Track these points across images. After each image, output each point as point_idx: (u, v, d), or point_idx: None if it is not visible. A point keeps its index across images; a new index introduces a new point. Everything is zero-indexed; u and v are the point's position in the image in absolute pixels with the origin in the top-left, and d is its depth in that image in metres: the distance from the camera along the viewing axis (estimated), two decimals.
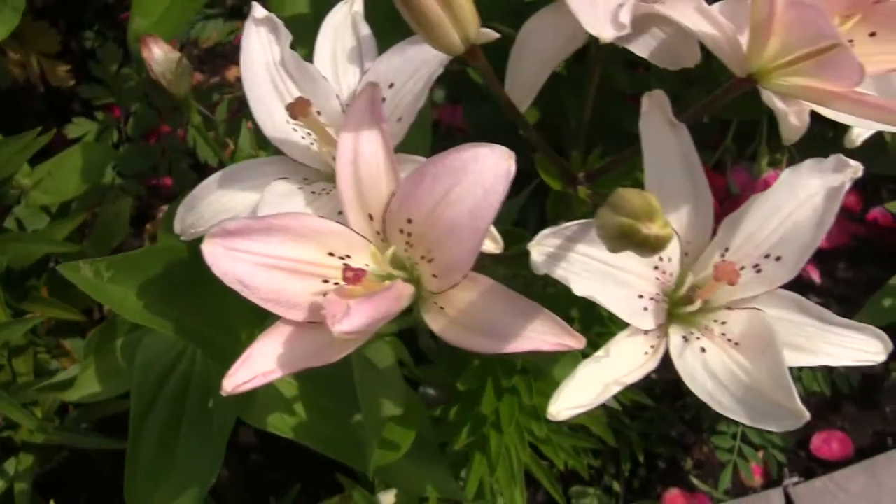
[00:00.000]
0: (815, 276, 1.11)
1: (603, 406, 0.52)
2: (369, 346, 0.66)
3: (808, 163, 0.52)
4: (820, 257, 1.09)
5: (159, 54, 0.69)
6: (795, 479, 1.06)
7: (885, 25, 0.49)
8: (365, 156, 0.51)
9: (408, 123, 0.55)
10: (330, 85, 0.57)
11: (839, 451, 1.11)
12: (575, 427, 0.96)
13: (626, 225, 0.40)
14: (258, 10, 0.57)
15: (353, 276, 0.49)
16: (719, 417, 1.03)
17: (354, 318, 0.47)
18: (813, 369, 1.02)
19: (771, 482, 1.08)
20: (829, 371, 1.03)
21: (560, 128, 0.91)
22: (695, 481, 1.11)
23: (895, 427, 1.13)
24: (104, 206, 1.10)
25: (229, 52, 1.40)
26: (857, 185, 1.01)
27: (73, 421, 1.05)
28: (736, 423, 1.03)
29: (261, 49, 0.57)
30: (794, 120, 0.53)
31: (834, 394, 1.06)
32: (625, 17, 0.48)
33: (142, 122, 1.18)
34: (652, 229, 0.39)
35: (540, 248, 0.49)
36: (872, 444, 1.12)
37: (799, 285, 1.14)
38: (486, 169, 0.48)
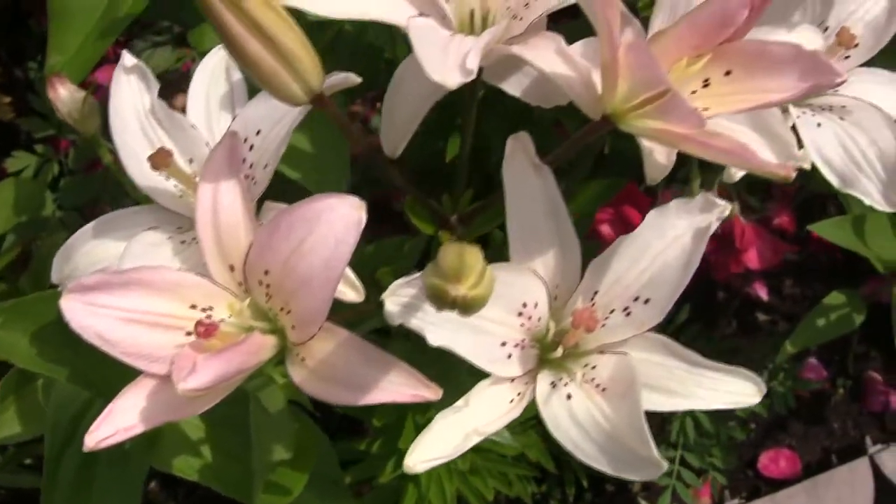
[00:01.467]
0: (763, 293, 1.10)
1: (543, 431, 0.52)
2: (263, 389, 0.66)
3: (675, 203, 0.51)
4: (766, 274, 1.09)
5: (65, 94, 0.69)
6: (737, 501, 1.05)
7: (739, 63, 0.48)
8: (224, 206, 0.51)
9: (273, 170, 0.54)
10: (199, 133, 0.57)
11: (787, 469, 1.10)
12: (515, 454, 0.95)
13: (436, 286, 0.39)
14: (127, 59, 0.57)
15: (205, 330, 0.49)
16: (659, 440, 1.02)
17: (200, 374, 0.47)
18: None
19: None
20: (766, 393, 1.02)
21: (483, 160, 0.90)
22: (642, 503, 1.10)
23: (842, 443, 1.12)
24: (41, 239, 1.10)
25: (177, 80, 1.39)
26: (797, 204, 1.01)
27: (11, 458, 1.04)
28: (675, 446, 1.02)
29: (130, 97, 0.57)
30: (659, 158, 0.52)
31: (780, 412, 1.05)
32: (472, 63, 0.47)
33: (82, 154, 1.18)
34: (459, 291, 0.39)
35: (394, 299, 0.49)
36: (820, 460, 1.11)
37: (746, 303, 1.14)
38: (338, 219, 0.47)
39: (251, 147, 0.55)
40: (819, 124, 0.59)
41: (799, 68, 0.46)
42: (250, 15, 0.43)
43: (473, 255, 0.40)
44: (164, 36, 1.40)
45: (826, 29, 0.62)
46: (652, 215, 0.51)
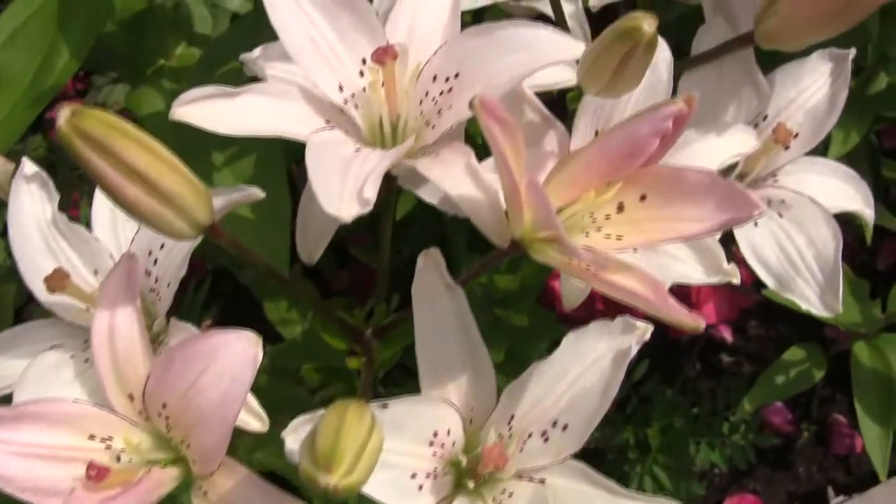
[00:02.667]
0: (727, 335, 1.08)
1: None
2: None
3: (595, 325, 0.49)
4: None
5: None
6: None
7: (655, 189, 0.45)
8: (121, 333, 0.49)
9: (175, 288, 0.52)
10: (102, 245, 0.54)
11: None
12: None
13: (307, 473, 0.37)
14: (27, 167, 0.54)
15: (97, 473, 0.47)
16: None
17: None
18: (710, 444, 0.99)
19: None
20: (724, 445, 1.00)
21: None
22: None
23: (807, 487, 1.10)
24: None
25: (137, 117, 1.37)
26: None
27: None
28: None
29: (32, 206, 0.55)
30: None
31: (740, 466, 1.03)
32: (370, 192, 0.44)
33: None
34: (329, 481, 0.36)
35: (295, 436, 0.46)
36: None
37: (711, 344, 1.12)
38: (234, 355, 0.45)
39: (155, 261, 0.52)
40: (755, 223, 0.57)
41: (715, 198, 0.44)
42: (125, 161, 0.40)
43: (354, 427, 0.37)
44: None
45: (766, 118, 0.59)
46: (570, 338, 0.49)
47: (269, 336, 0.74)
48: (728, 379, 1.09)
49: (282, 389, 0.64)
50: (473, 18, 0.73)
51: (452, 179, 0.47)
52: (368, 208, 0.44)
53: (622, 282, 0.43)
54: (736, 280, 0.53)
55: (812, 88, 0.59)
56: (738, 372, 1.12)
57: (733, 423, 1.00)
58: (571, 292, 0.50)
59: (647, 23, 0.44)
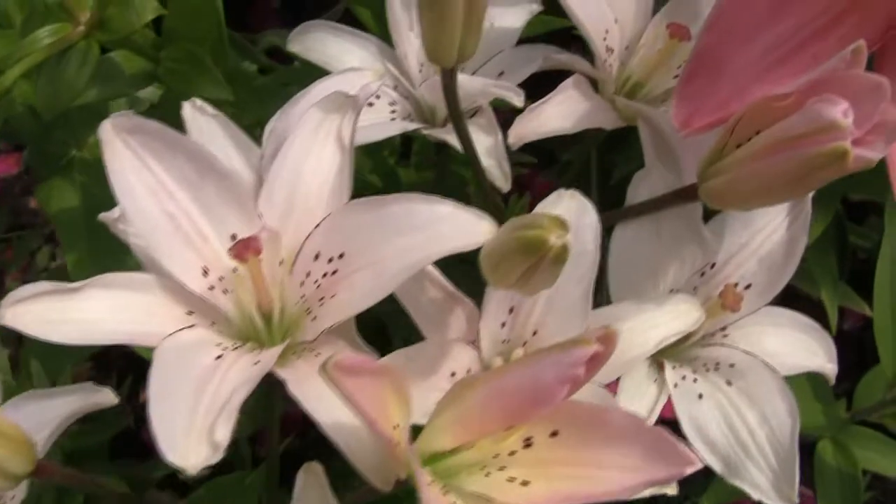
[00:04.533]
0: None
1: None
2: None
3: None
4: None
5: None
6: None
7: (569, 426, 0.38)
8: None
9: None
10: None
11: None
12: None
13: None
14: None
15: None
16: None
17: None
18: None
19: None
20: None
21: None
22: None
23: None
24: None
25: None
26: None
27: None
28: None
29: None
30: None
31: None
32: (222, 432, 0.36)
33: None
34: None
35: None
36: None
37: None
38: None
39: None
40: (701, 395, 0.49)
41: (642, 446, 0.36)
42: None
43: None
44: None
45: (713, 266, 0.51)
46: None
47: None
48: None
49: None
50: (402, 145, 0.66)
51: (323, 400, 0.39)
52: (219, 456, 0.36)
53: None
54: (672, 491, 0.45)
55: (766, 231, 0.51)
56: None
57: None
58: None
59: (556, 234, 0.36)
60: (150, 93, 0.74)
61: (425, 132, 0.52)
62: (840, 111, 0.39)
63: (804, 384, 0.78)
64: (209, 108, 0.50)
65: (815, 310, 0.85)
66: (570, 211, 0.45)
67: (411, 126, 0.53)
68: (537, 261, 0.37)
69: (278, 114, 0.49)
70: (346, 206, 0.44)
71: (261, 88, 0.67)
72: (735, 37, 0.44)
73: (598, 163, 0.71)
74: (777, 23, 0.44)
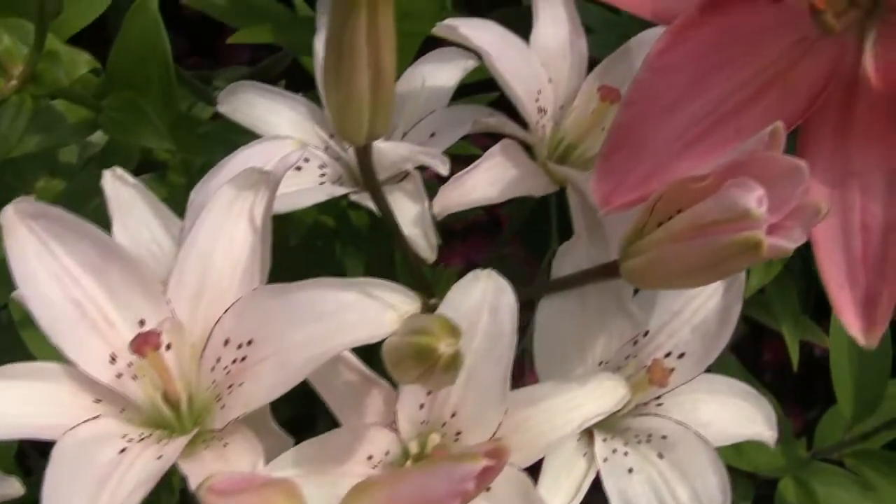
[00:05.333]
0: None
1: None
2: None
3: None
4: None
5: None
6: None
7: None
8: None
9: None
10: None
11: None
12: None
13: None
14: None
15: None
16: None
17: None
18: None
19: None
20: None
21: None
22: None
23: None
24: None
25: None
26: None
27: None
28: None
29: None
30: None
31: None
32: None
33: None
34: None
35: None
36: None
37: None
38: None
39: None
40: (631, 469, 0.48)
41: None
42: None
43: None
44: None
45: (647, 333, 0.50)
46: None
47: None
48: None
49: None
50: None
51: None
52: None
53: None
54: None
55: (700, 299, 0.50)
56: None
57: None
58: None
59: (446, 342, 0.35)
60: (99, 136, 0.73)
61: (353, 197, 0.51)
62: (754, 199, 0.38)
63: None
64: (129, 178, 0.49)
65: (782, 342, 0.84)
66: (486, 291, 0.43)
67: (340, 191, 0.51)
68: (430, 366, 0.36)
69: (199, 185, 0.48)
70: (254, 292, 0.43)
71: (207, 136, 0.66)
72: (654, 111, 0.43)
73: (557, 197, 0.70)
74: (697, 96, 0.43)
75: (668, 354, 0.50)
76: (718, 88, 0.43)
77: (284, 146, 0.49)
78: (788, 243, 0.39)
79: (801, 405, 0.95)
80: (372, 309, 0.40)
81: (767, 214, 0.39)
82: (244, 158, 0.48)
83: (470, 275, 0.44)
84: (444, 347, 0.35)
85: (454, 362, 0.35)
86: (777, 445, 0.75)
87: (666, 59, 0.43)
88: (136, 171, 0.69)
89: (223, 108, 0.54)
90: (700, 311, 0.50)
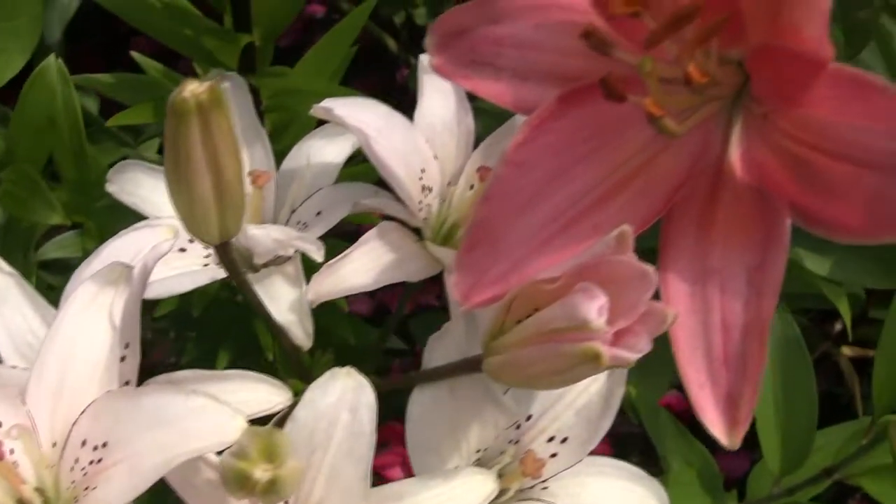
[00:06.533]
0: None
1: None
2: None
3: None
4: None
5: None
6: None
7: None
8: None
9: None
10: None
11: None
12: None
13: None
14: None
15: None
16: None
17: None
18: None
19: None
20: None
21: None
22: None
23: None
24: None
25: None
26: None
27: None
28: None
29: None
30: None
31: None
32: None
33: None
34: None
35: None
36: None
37: None
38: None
39: None
40: None
41: None
42: None
43: None
44: None
45: (530, 417, 0.49)
46: None
47: None
48: None
49: None
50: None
51: None
52: None
53: None
54: None
55: (584, 383, 0.49)
56: None
57: None
58: None
59: (262, 468, 0.35)
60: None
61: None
62: (595, 309, 0.38)
63: (692, 477, 0.76)
64: (5, 266, 0.49)
65: None
66: (346, 390, 0.43)
67: (222, 273, 0.51)
68: (249, 489, 0.35)
69: (74, 276, 0.48)
70: (107, 394, 0.42)
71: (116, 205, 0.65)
72: (512, 207, 0.42)
73: None
74: (555, 191, 0.42)
75: (551, 438, 0.49)
76: (576, 183, 0.42)
77: (157, 234, 0.48)
78: (631, 354, 0.38)
79: (747, 449, 0.94)
80: (220, 415, 0.40)
81: (614, 321, 0.38)
82: (115, 248, 0.48)
83: (328, 373, 0.43)
84: (260, 474, 0.35)
85: (272, 487, 0.35)
86: (706, 498, 0.76)
87: (524, 153, 0.42)
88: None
89: (111, 188, 0.54)
90: (583, 394, 0.49)
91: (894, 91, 0.36)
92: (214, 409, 0.40)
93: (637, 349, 0.38)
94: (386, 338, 0.60)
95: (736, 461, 0.92)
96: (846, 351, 0.92)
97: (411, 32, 0.98)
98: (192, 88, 0.38)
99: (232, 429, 0.39)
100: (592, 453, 0.51)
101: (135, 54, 0.63)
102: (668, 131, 0.39)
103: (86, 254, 0.68)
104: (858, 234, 0.39)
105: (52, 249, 0.71)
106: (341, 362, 0.56)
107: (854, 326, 0.93)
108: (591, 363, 0.38)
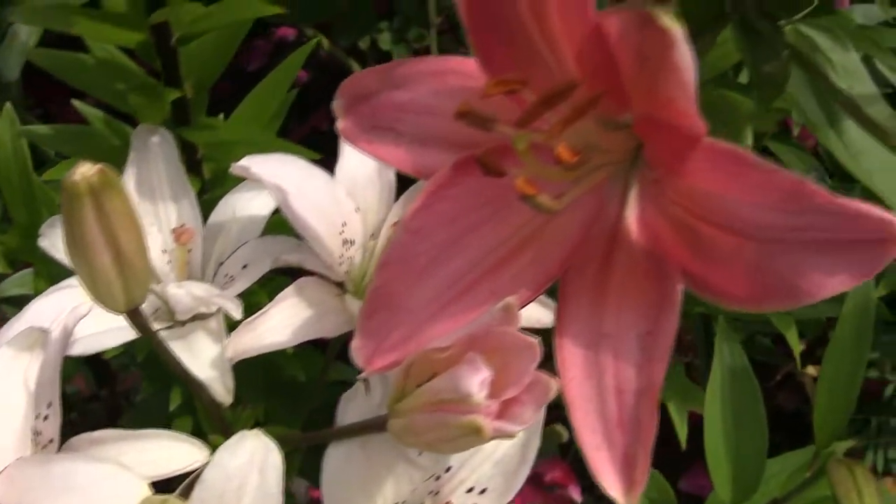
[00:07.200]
0: (576, 495, 1.00)
1: None
2: None
3: None
4: (581, 474, 0.98)
5: None
6: None
7: None
8: None
9: None
10: None
11: None
12: None
13: None
14: None
15: None
16: None
17: None
18: None
19: None
20: None
21: None
22: None
23: None
24: None
25: None
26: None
27: None
28: None
29: None
30: None
31: None
32: None
33: None
34: None
35: None
36: None
37: (562, 501, 1.04)
38: None
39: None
40: None
41: None
42: None
43: None
44: None
45: (449, 468, 0.50)
46: None
47: None
48: None
49: None
50: None
51: None
52: None
53: None
54: None
55: None
56: None
57: None
58: None
59: None
60: None
61: (162, 335, 0.52)
62: (476, 383, 0.38)
63: None
64: None
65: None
66: (255, 452, 0.44)
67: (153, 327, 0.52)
68: None
69: None
70: (19, 460, 0.43)
71: None
72: (411, 273, 0.43)
73: None
74: (452, 258, 0.43)
75: (470, 489, 0.50)
76: (471, 251, 0.43)
77: (80, 294, 0.49)
78: (514, 426, 0.39)
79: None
80: (123, 482, 0.41)
81: (502, 392, 0.39)
82: (38, 309, 0.49)
83: (237, 435, 0.44)
84: None
85: None
86: None
87: (420, 220, 0.43)
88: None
89: (42, 244, 0.55)
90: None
91: (766, 166, 0.37)
92: (120, 476, 0.41)
93: (522, 420, 0.39)
94: (328, 368, 0.60)
95: (704, 480, 0.93)
96: (811, 370, 0.92)
97: (378, 57, 0.98)
98: (83, 171, 0.39)
99: (136, 494, 0.41)
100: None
101: (77, 103, 0.64)
102: (544, 208, 0.39)
103: (37, 293, 0.70)
104: (742, 301, 0.39)
105: (12, 286, 0.72)
106: (288, 402, 0.57)
107: (818, 346, 0.94)
108: (474, 435, 0.38)
